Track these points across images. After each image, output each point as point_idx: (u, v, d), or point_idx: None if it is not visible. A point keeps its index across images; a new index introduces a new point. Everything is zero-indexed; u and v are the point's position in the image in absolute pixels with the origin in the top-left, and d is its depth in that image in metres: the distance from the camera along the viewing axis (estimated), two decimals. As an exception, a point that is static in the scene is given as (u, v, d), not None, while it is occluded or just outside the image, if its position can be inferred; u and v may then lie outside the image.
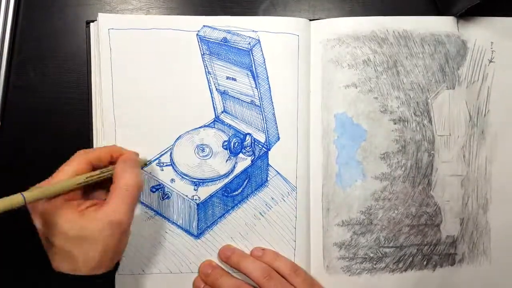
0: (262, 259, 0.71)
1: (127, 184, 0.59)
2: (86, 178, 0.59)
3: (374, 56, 0.74)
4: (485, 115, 0.76)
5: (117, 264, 0.65)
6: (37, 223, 0.58)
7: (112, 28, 0.70)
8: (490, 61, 0.76)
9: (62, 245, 0.56)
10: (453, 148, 0.75)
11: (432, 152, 0.75)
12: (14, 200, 0.52)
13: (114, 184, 0.60)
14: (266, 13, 0.75)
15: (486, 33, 0.76)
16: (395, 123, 0.74)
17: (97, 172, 0.61)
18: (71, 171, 0.59)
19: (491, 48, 0.76)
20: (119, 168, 0.61)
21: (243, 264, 0.70)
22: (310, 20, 0.73)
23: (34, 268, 0.71)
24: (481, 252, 0.76)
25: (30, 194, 0.53)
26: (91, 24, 0.71)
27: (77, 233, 0.56)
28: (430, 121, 0.75)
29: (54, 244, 0.57)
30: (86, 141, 0.72)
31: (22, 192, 0.53)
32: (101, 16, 0.71)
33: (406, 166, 0.75)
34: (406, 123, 0.74)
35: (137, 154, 0.66)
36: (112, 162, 0.63)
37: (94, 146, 0.71)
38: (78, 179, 0.58)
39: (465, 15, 0.73)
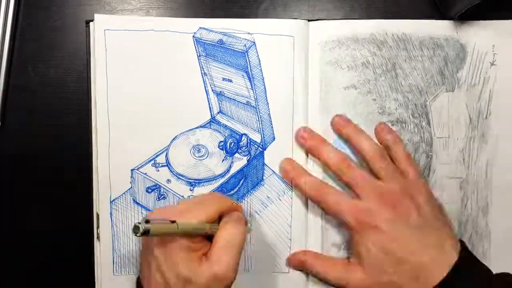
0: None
1: (231, 234, 0.61)
2: (211, 228, 0.61)
3: (373, 59, 0.74)
4: (486, 117, 0.75)
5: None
6: (156, 251, 0.59)
7: (108, 29, 0.71)
8: (492, 64, 0.75)
9: (168, 279, 0.58)
10: (452, 151, 0.75)
11: (430, 153, 0.75)
12: (170, 228, 0.55)
13: (216, 236, 0.61)
14: (265, 13, 0.75)
15: (487, 36, 0.75)
16: (392, 125, 0.74)
17: (217, 225, 0.62)
18: (205, 214, 0.60)
19: (493, 51, 0.75)
20: (224, 221, 0.62)
21: (359, 139, 0.72)
22: (310, 20, 0.73)
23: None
24: (480, 255, 0.75)
25: (180, 223, 0.56)
26: (91, 23, 0.72)
27: (187, 274, 0.57)
28: (428, 123, 0.74)
29: (163, 276, 0.59)
30: (85, 141, 0.72)
31: (177, 222, 0.56)
32: (97, 17, 0.71)
33: (405, 167, 0.75)
34: (404, 124, 0.74)
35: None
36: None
37: (93, 147, 0.72)
38: (205, 226, 0.60)
39: (465, 16, 0.73)
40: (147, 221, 0.53)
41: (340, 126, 0.73)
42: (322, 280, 0.71)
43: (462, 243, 0.68)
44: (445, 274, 0.63)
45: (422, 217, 0.66)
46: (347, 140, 0.72)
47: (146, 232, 0.52)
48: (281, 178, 0.73)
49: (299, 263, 0.72)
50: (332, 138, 0.74)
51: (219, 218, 0.63)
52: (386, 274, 0.65)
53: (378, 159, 0.69)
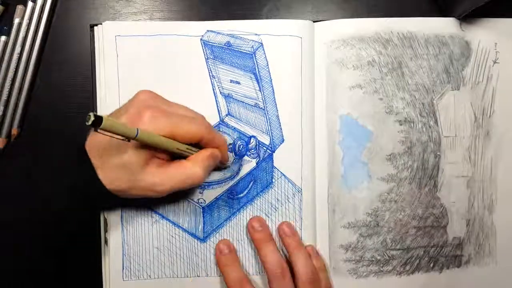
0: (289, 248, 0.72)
1: (193, 175, 0.62)
2: (187, 149, 0.61)
3: (379, 57, 0.74)
4: (490, 116, 0.76)
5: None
6: (124, 118, 0.59)
7: (119, 35, 0.71)
8: (495, 62, 0.76)
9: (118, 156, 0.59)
10: (458, 149, 0.75)
11: (438, 153, 0.75)
12: (128, 130, 0.53)
13: (185, 163, 0.62)
14: (269, 14, 0.75)
15: (490, 34, 0.75)
16: (400, 124, 0.74)
17: (186, 148, 0.62)
18: (185, 131, 0.60)
19: (495, 49, 0.76)
20: (200, 157, 0.63)
21: (296, 254, 0.71)
22: (314, 21, 0.73)
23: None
24: (487, 253, 0.76)
25: (141, 133, 0.54)
26: (95, 27, 0.71)
27: (130, 161, 0.59)
28: (436, 122, 0.75)
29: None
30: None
31: (138, 128, 0.54)
32: (107, 23, 0.71)
33: (413, 167, 0.75)
34: (412, 124, 0.74)
35: (225, 156, 0.68)
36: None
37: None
38: (181, 146, 0.60)
39: (468, 17, 0.73)
40: (98, 117, 0.49)
41: (285, 234, 0.72)
42: None
43: None
44: None
45: None
46: (287, 249, 0.72)
47: (96, 123, 0.49)
48: (290, 180, 0.73)
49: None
50: (338, 138, 0.73)
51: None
52: None
53: (308, 282, 0.68)
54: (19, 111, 0.72)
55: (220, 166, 0.71)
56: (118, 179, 0.59)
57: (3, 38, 0.72)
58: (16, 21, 0.72)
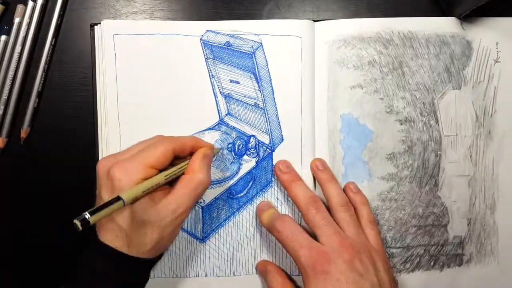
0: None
1: (201, 182, 0.61)
2: (165, 177, 0.60)
3: (380, 57, 0.74)
4: (491, 115, 0.75)
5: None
6: (105, 194, 0.58)
7: (117, 34, 0.71)
8: (496, 61, 0.75)
9: (122, 225, 0.58)
10: (460, 148, 0.75)
11: (439, 152, 0.75)
12: (115, 206, 0.54)
13: (186, 176, 0.61)
14: (270, 14, 0.75)
15: (491, 34, 0.75)
16: (401, 124, 0.74)
17: (174, 169, 0.61)
18: (155, 158, 0.59)
19: (496, 48, 0.75)
20: (197, 164, 0.62)
21: (329, 186, 0.71)
22: (315, 21, 0.73)
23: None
24: (488, 252, 0.76)
25: (127, 196, 0.55)
26: (95, 27, 0.71)
27: (141, 217, 0.57)
28: (436, 121, 0.74)
29: (114, 221, 0.58)
30: (91, 144, 0.72)
31: (120, 195, 0.54)
32: (105, 22, 0.71)
33: (413, 166, 0.75)
34: (412, 123, 0.74)
35: (212, 148, 0.67)
36: (192, 153, 0.64)
37: (100, 149, 0.71)
38: (159, 180, 0.59)
39: (469, 16, 0.73)
40: (83, 219, 0.51)
41: (318, 168, 0.72)
42: None
43: None
44: None
45: (378, 281, 0.63)
46: (319, 183, 0.72)
47: (86, 223, 0.51)
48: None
49: (262, 271, 0.72)
50: (339, 137, 0.73)
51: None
52: None
53: (342, 209, 0.68)
54: (30, 110, 0.72)
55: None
56: (143, 243, 0.59)
57: (3, 37, 0.72)
58: (17, 20, 0.72)
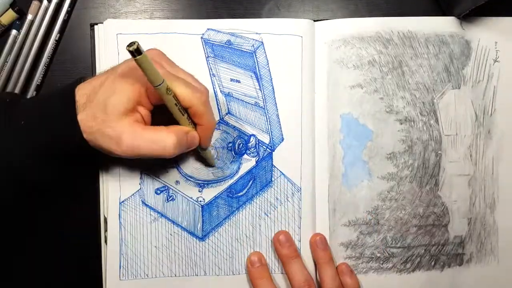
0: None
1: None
2: (178, 109, 0.61)
3: (379, 57, 0.74)
4: (491, 114, 0.76)
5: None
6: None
7: (120, 33, 0.71)
8: (495, 61, 0.75)
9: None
10: (460, 148, 0.75)
11: (439, 152, 0.75)
12: (157, 76, 0.55)
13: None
14: (270, 14, 0.75)
15: (490, 33, 0.75)
16: (401, 123, 0.74)
17: (186, 115, 0.62)
18: (181, 90, 0.60)
19: (495, 47, 0.76)
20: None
21: (324, 268, 0.71)
22: (315, 20, 0.73)
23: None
24: (489, 251, 0.76)
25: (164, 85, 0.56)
26: (95, 26, 0.71)
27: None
28: (436, 121, 0.75)
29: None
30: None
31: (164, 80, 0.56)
32: (108, 21, 0.71)
33: (413, 166, 0.75)
34: (412, 123, 0.74)
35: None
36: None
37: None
38: (183, 123, 0.62)
39: (468, 16, 0.73)
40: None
41: (318, 247, 0.72)
42: None
43: None
44: None
45: None
46: (316, 262, 0.73)
47: (137, 51, 0.51)
48: (289, 179, 0.73)
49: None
50: (339, 137, 0.73)
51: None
52: None
53: None
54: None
55: (199, 151, 0.69)
56: (93, 118, 0.57)
57: (14, 32, 0.72)
58: (29, 17, 0.72)
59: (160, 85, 0.55)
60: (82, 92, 0.58)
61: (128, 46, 0.50)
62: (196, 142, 0.64)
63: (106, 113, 0.57)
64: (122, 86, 0.58)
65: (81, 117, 0.57)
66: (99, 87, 0.58)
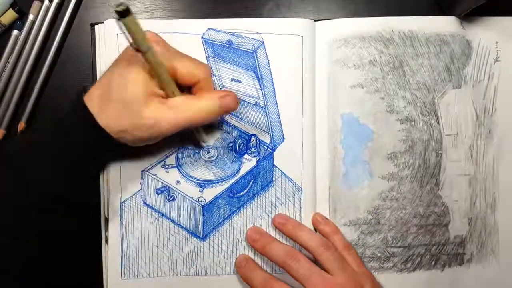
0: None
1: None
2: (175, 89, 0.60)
3: (380, 57, 0.74)
4: (492, 114, 0.76)
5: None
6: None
7: (121, 33, 0.70)
8: (496, 60, 0.75)
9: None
10: (460, 148, 0.75)
11: (440, 151, 0.75)
12: (145, 42, 0.54)
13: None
14: (270, 14, 0.75)
15: (491, 33, 0.75)
16: (402, 123, 0.74)
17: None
18: (188, 66, 0.61)
19: (496, 47, 0.76)
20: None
21: (299, 234, 0.70)
22: (315, 20, 0.73)
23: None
24: (489, 251, 0.76)
25: (152, 51, 0.55)
26: (96, 26, 0.71)
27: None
28: (437, 120, 0.75)
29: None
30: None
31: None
32: (108, 21, 0.71)
33: (414, 166, 0.75)
34: (413, 122, 0.74)
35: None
36: None
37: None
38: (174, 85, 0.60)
39: (469, 15, 0.73)
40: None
41: (280, 224, 0.72)
42: None
43: None
44: None
45: None
46: (289, 237, 0.72)
47: (125, 13, 0.49)
48: (290, 179, 0.73)
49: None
50: (339, 137, 0.73)
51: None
52: None
53: (321, 250, 0.68)
54: (28, 108, 0.73)
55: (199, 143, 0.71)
56: (120, 118, 0.57)
57: (15, 32, 0.72)
58: (31, 17, 0.72)
59: (148, 51, 0.54)
60: (92, 103, 0.58)
61: (116, 6, 0.48)
62: (234, 105, 0.63)
63: (129, 108, 0.57)
64: (131, 76, 0.58)
65: (104, 122, 0.58)
66: (108, 87, 0.58)
